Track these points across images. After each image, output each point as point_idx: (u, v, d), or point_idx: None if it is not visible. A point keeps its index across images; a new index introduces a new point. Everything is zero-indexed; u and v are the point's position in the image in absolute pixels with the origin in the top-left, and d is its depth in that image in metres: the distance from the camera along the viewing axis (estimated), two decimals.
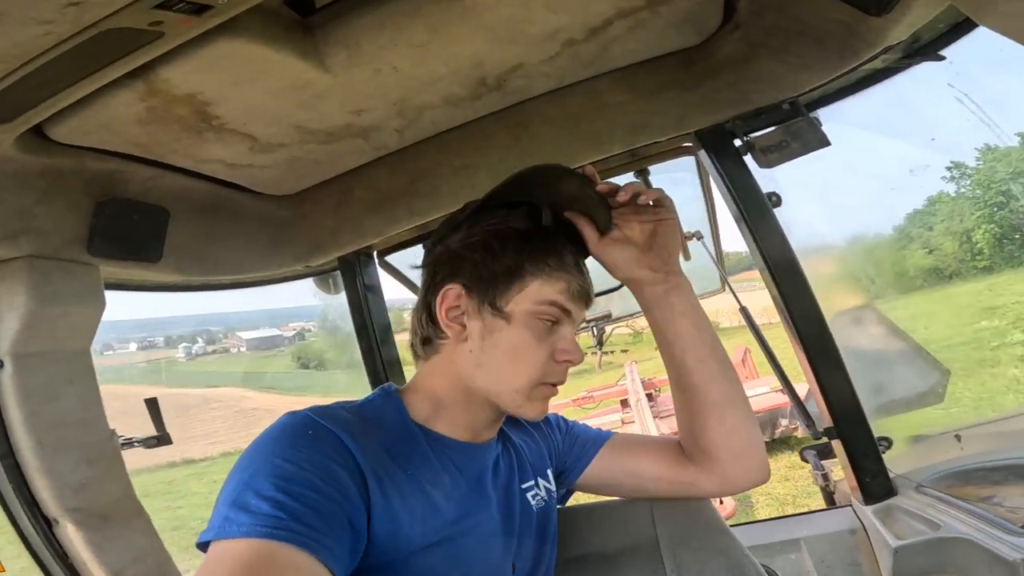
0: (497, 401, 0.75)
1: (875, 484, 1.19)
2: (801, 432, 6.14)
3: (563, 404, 8.33)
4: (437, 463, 0.73)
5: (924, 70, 1.01)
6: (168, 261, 1.10)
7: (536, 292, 0.74)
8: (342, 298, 1.60)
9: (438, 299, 0.75)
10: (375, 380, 1.52)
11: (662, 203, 0.83)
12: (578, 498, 0.98)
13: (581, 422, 1.01)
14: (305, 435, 0.64)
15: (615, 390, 8.06)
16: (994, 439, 1.37)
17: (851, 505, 1.28)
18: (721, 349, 0.86)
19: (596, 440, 0.94)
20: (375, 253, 1.58)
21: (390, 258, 1.61)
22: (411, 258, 1.65)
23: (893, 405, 1.59)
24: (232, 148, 1.02)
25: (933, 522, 1.02)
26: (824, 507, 1.46)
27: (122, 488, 1.06)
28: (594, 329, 2.21)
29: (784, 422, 6.20)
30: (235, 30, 0.70)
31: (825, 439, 1.26)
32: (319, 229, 1.36)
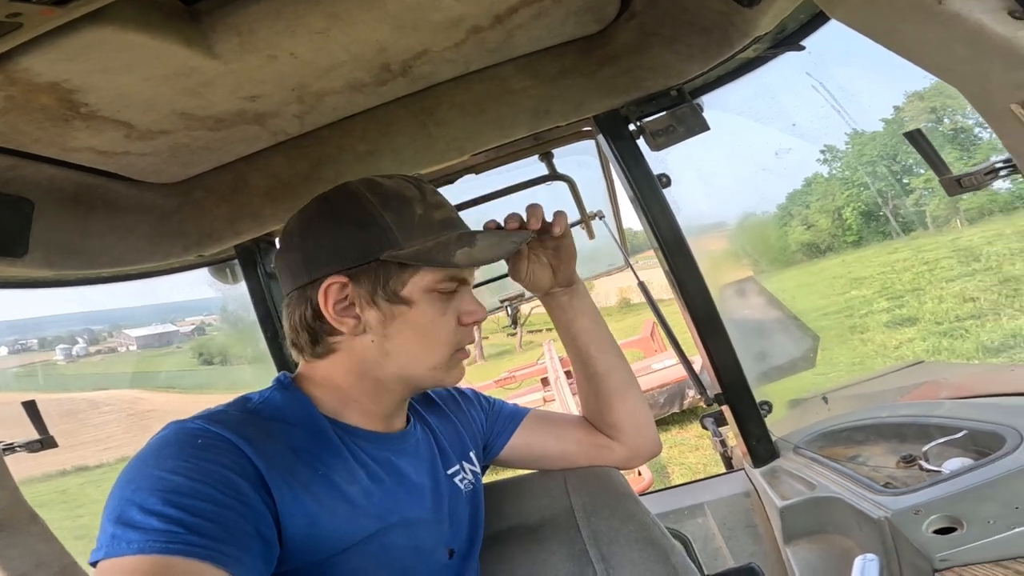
0: (415, 383, 0.75)
1: (760, 447, 1.31)
2: (707, 402, 6.57)
3: (486, 386, 8.39)
4: (351, 458, 0.70)
5: (787, 59, 1.10)
6: (36, 255, 1.01)
7: (432, 271, 0.71)
8: (243, 287, 1.51)
9: (320, 294, 0.69)
10: (283, 370, 1.45)
11: (559, 224, 0.88)
12: (495, 474, 1.01)
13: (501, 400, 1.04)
14: (193, 444, 0.59)
15: (535, 369, 8.23)
16: (855, 400, 1.56)
17: (744, 469, 1.40)
18: (615, 341, 0.98)
19: (515, 415, 0.99)
20: (277, 240, 1.50)
21: None
22: None
23: (773, 372, 1.75)
24: (104, 136, 0.94)
25: (810, 482, 1.14)
26: (722, 472, 1.58)
27: (9, 495, 1.02)
28: (508, 309, 2.24)
29: (691, 393, 6.58)
30: (106, 18, 0.65)
31: (715, 405, 1.39)
32: (212, 217, 1.29)
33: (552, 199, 1.83)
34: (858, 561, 0.77)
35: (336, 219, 0.72)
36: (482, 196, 1.51)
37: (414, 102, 1.15)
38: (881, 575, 0.77)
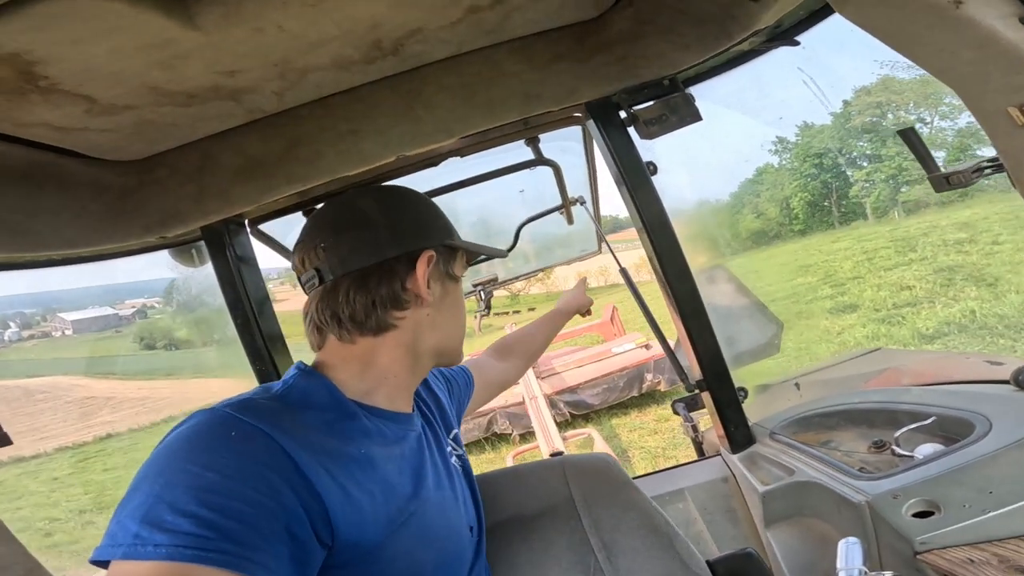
0: (445, 358, 0.83)
1: (738, 433, 1.35)
2: (664, 386, 6.73)
3: None
4: (383, 438, 0.72)
5: (780, 54, 1.11)
6: None
7: (462, 260, 0.86)
8: (205, 270, 1.44)
9: (419, 264, 0.75)
10: (256, 357, 1.41)
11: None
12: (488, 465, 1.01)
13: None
14: (227, 436, 0.56)
15: None
16: (822, 386, 1.62)
17: (720, 454, 1.44)
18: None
19: (468, 378, 1.16)
20: (247, 222, 1.44)
21: (264, 227, 1.48)
22: (288, 226, 1.52)
23: (743, 356, 1.80)
24: (62, 111, 0.86)
25: (787, 467, 1.18)
26: (695, 458, 1.63)
27: None
28: (481, 293, 2.23)
29: (649, 377, 6.74)
30: None
31: (695, 391, 1.42)
32: (176, 197, 1.22)
33: (534, 183, 1.82)
34: (841, 545, 0.80)
35: (414, 205, 0.81)
36: (467, 179, 1.48)
37: (402, 82, 1.10)
38: (864, 558, 0.80)
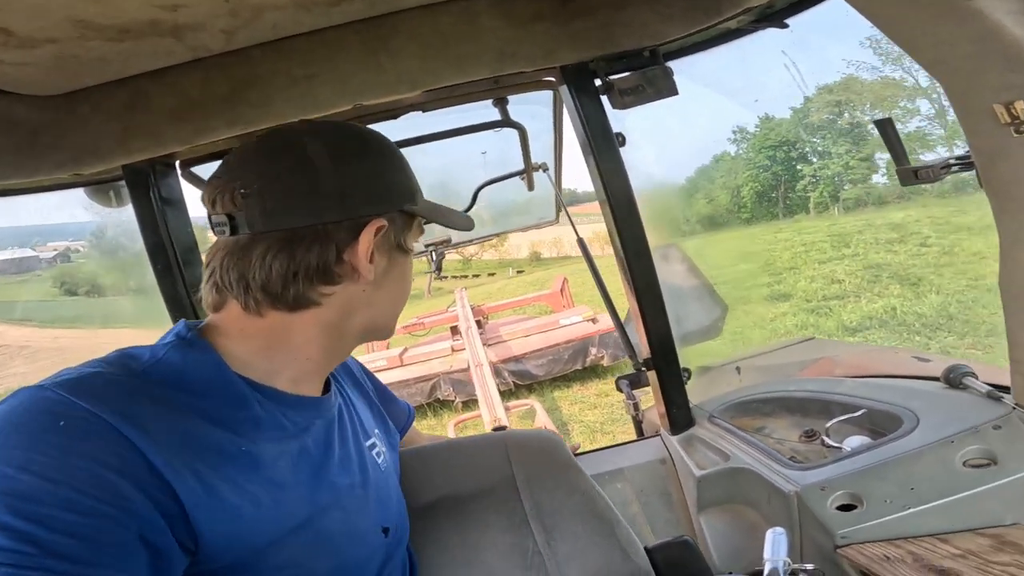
0: (373, 334, 0.73)
1: (679, 415, 1.38)
2: (607, 361, 6.89)
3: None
4: (277, 428, 0.62)
5: (766, 35, 1.09)
6: None
7: (414, 229, 0.73)
8: (127, 213, 1.34)
9: (363, 236, 0.63)
10: (177, 307, 1.34)
11: None
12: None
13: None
14: (53, 427, 0.46)
15: (445, 317, 8.16)
16: (758, 372, 1.68)
17: (660, 435, 1.47)
18: None
19: (409, 412, 1.02)
20: (178, 163, 1.34)
21: (197, 169, 1.37)
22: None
23: (688, 337, 1.84)
24: None
25: (724, 452, 1.21)
26: (634, 436, 1.66)
27: None
28: (432, 254, 2.17)
29: (594, 351, 6.87)
30: None
31: (641, 368, 1.43)
32: (97, 134, 1.13)
33: (498, 144, 1.76)
34: (769, 534, 0.82)
35: (376, 158, 0.68)
36: (428, 135, 1.42)
37: (368, 28, 1.03)
38: (788, 549, 0.82)
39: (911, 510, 0.86)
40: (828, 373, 1.47)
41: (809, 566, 0.78)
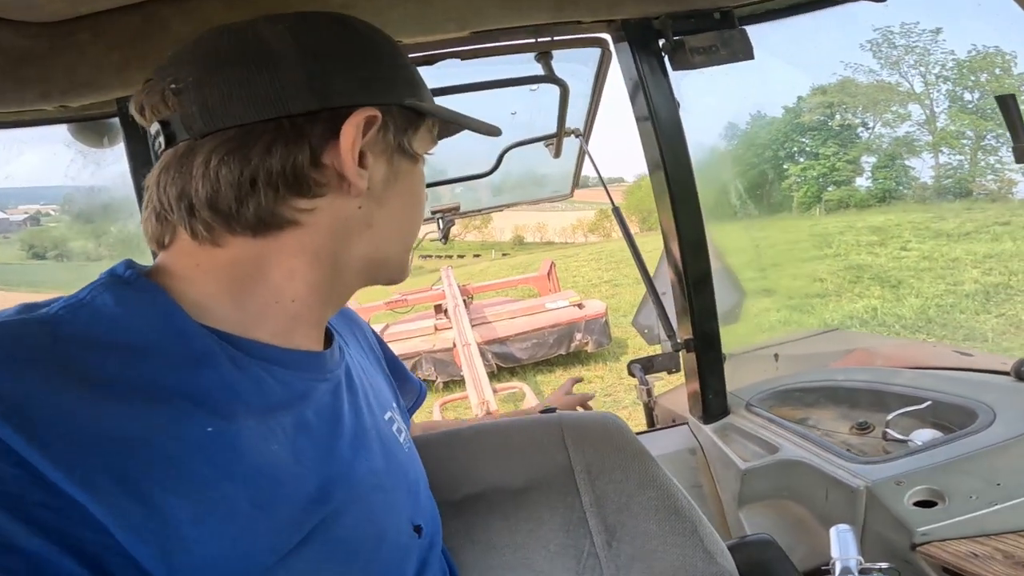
0: (379, 272, 0.56)
1: (716, 402, 1.30)
2: (592, 348, 6.85)
3: (375, 307, 8.06)
4: (261, 394, 0.46)
5: (856, 8, 1.01)
6: None
7: (428, 132, 0.57)
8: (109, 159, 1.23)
9: (346, 129, 0.47)
10: None
11: None
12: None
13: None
14: None
15: (430, 294, 8.00)
16: (790, 361, 1.62)
17: (687, 423, 1.40)
18: None
19: (422, 390, 0.87)
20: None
21: None
22: None
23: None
24: None
25: (768, 443, 1.14)
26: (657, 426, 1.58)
27: None
28: (440, 222, 2.04)
29: (579, 336, 6.83)
30: None
31: (679, 350, 1.34)
32: (92, 65, 0.99)
33: (528, 107, 1.65)
34: (834, 532, 0.74)
35: (360, 40, 0.52)
36: (465, 84, 1.30)
37: None
38: (857, 547, 0.75)
39: (998, 506, 0.80)
40: (865, 364, 1.41)
41: (883, 565, 0.72)
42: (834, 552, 0.72)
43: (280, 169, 0.45)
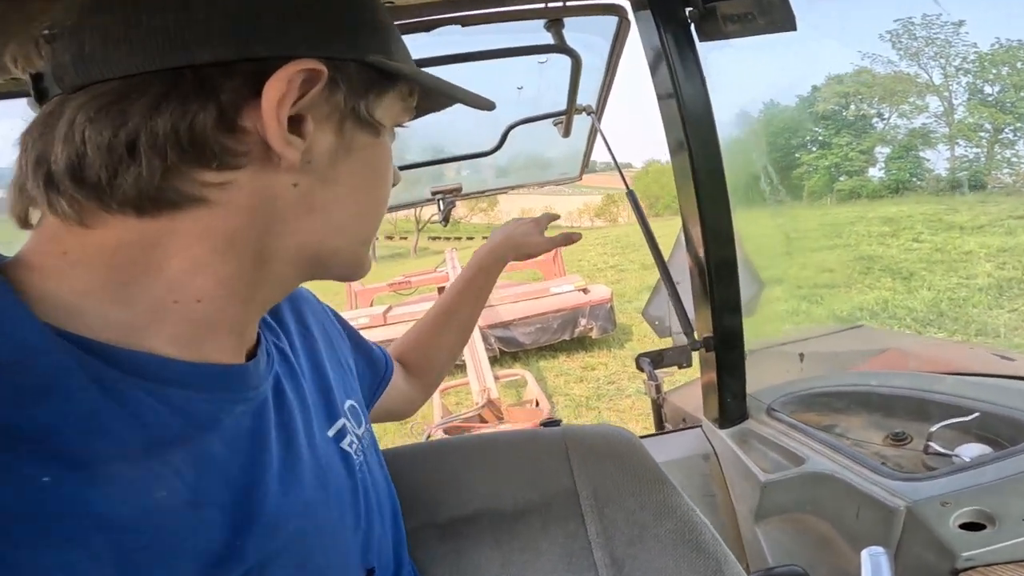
0: (328, 265, 0.45)
1: (734, 405, 1.20)
2: (596, 334, 6.76)
3: (378, 288, 7.97)
4: (143, 428, 0.35)
5: None
6: None
7: (400, 100, 0.46)
8: None
9: (270, 86, 0.36)
10: None
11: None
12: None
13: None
14: None
15: (433, 276, 7.89)
16: (813, 361, 1.51)
17: (700, 426, 1.30)
18: None
19: (387, 360, 0.76)
20: None
21: None
22: None
23: None
24: None
25: (792, 453, 1.04)
26: (653, 424, 1.49)
27: None
28: (440, 203, 1.93)
29: (583, 322, 6.73)
30: None
31: (694, 346, 1.24)
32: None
33: (535, 82, 1.52)
34: (866, 555, 0.65)
35: None
36: (467, 53, 1.18)
37: None
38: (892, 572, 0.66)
39: None
40: (900, 367, 1.30)
41: None
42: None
43: (170, 131, 0.34)
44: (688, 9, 0.98)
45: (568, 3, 1.09)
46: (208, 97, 0.35)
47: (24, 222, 0.38)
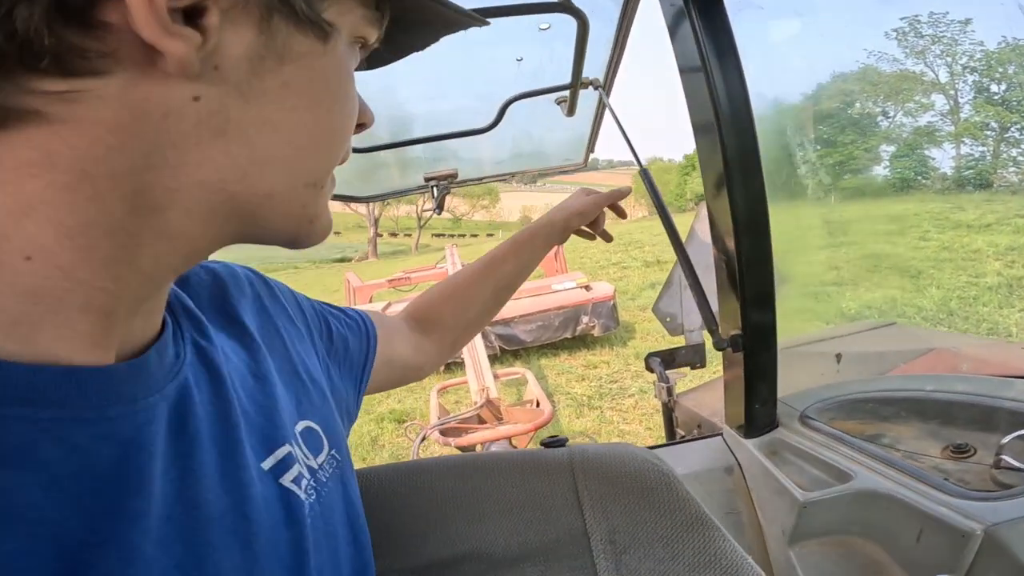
0: (259, 215, 0.33)
1: (763, 412, 1.06)
2: (598, 331, 6.63)
3: (377, 284, 7.83)
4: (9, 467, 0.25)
5: None
6: None
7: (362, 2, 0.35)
8: None
9: None
10: None
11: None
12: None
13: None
14: None
15: (433, 273, 7.76)
16: (849, 362, 1.36)
17: (722, 435, 1.15)
18: None
19: (370, 335, 0.64)
20: None
21: None
22: None
23: None
24: None
25: (836, 467, 0.90)
26: (665, 431, 1.35)
27: None
28: (434, 190, 1.78)
29: (585, 319, 6.60)
30: None
31: (724, 347, 1.10)
32: None
33: (536, 55, 1.37)
34: None
35: None
36: (469, 8, 1.02)
37: None
38: None
39: None
40: (950, 369, 1.16)
41: None
42: None
43: None
44: None
45: None
46: None
47: None
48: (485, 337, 6.19)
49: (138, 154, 0.27)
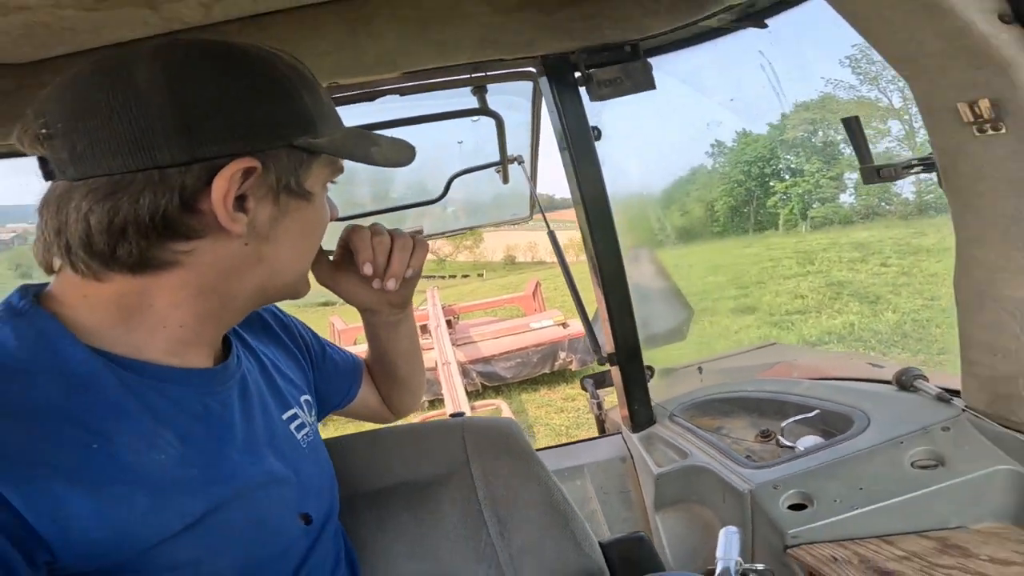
0: (272, 295, 0.62)
1: (641, 412, 1.39)
2: (575, 366, 6.92)
3: (361, 327, 8.05)
4: (149, 412, 0.52)
5: (745, 35, 1.11)
6: None
7: (327, 165, 0.60)
8: None
9: (219, 181, 0.49)
10: None
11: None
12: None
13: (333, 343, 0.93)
14: None
15: (415, 315, 8.06)
16: (720, 374, 1.70)
17: (621, 433, 1.48)
18: (419, 348, 0.95)
19: (356, 366, 0.91)
20: None
21: None
22: None
23: (654, 338, 1.86)
24: None
25: (682, 450, 1.22)
26: (599, 435, 1.66)
27: None
28: None
29: (563, 355, 6.89)
30: None
31: (603, 368, 1.46)
32: None
33: (474, 137, 1.75)
34: (722, 534, 0.80)
35: (245, 80, 0.52)
36: (404, 119, 1.40)
37: (349, 9, 1.01)
38: (741, 549, 0.80)
39: (859, 510, 0.88)
40: (786, 376, 1.50)
41: (760, 566, 0.79)
42: (719, 552, 0.79)
43: (149, 218, 0.49)
44: (576, 74, 1.20)
45: (488, 72, 1.32)
46: (170, 190, 0.49)
47: (50, 270, 0.54)
48: (467, 375, 6.45)
49: (223, 277, 0.55)
